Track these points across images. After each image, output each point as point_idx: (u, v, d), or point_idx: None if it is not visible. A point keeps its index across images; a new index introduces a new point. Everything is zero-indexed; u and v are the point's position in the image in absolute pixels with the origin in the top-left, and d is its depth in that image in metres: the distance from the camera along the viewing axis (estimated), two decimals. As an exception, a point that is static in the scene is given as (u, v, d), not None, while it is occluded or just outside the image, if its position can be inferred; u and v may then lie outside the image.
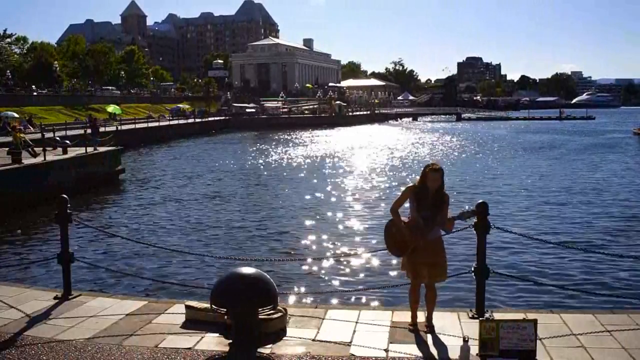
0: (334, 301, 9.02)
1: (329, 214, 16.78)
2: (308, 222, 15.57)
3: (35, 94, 63.00)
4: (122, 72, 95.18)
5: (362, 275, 10.56)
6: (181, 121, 63.44)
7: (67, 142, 24.82)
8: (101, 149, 24.65)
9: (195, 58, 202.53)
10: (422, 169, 5.28)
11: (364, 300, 9.17)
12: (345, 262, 11.12)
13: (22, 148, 19.76)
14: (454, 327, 5.47)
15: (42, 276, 10.60)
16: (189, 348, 5.13)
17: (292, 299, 8.84)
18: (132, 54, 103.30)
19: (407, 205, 5.40)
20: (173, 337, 5.37)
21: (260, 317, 5.26)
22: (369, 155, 35.79)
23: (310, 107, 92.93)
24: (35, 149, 20.64)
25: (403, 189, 5.51)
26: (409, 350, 5.01)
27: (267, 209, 18.03)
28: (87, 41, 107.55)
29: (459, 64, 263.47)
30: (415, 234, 5.19)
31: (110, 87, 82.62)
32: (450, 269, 9.20)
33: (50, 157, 20.75)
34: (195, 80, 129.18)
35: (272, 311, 5.42)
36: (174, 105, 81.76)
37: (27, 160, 19.56)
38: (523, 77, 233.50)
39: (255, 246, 13.06)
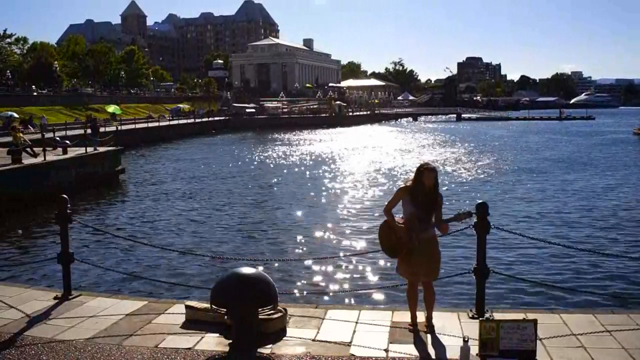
0: (334, 301, 9.02)
1: (329, 214, 16.78)
2: (308, 222, 15.57)
3: (35, 94, 63.02)
4: (122, 72, 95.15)
5: (362, 275, 10.57)
6: (181, 121, 63.44)
7: (67, 142, 24.83)
8: (101, 149, 24.64)
9: (195, 58, 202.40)
10: (417, 168, 5.29)
11: (364, 300, 9.17)
12: (345, 262, 11.12)
13: (21, 147, 19.77)
14: (454, 327, 5.47)
15: (42, 276, 10.60)
16: (189, 348, 5.13)
17: (292, 299, 8.84)
18: (132, 54, 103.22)
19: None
20: (173, 337, 5.37)
21: (260, 317, 5.26)
22: (369, 156, 35.77)
23: (310, 107, 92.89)
24: (35, 149, 20.64)
25: (397, 188, 5.52)
26: (409, 350, 5.01)
27: (267, 209, 18.03)
28: (87, 41, 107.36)
29: (459, 64, 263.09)
30: (410, 234, 5.20)
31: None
32: (450, 269, 9.29)
33: (50, 157, 20.74)
34: (195, 80, 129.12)
35: (272, 311, 5.42)
36: (174, 105, 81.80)
37: (27, 160, 19.55)
38: (523, 77, 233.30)
39: (255, 246, 13.07)
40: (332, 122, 77.03)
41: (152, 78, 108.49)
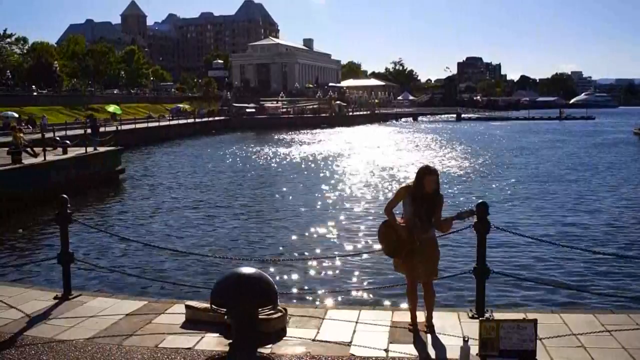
0: (334, 301, 9.02)
1: (329, 214, 16.78)
2: (308, 223, 15.55)
3: (35, 94, 63.01)
4: (122, 72, 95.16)
5: (362, 275, 10.56)
6: (181, 121, 63.40)
7: (67, 142, 24.83)
8: (101, 149, 24.65)
9: (195, 58, 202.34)
10: (418, 170, 5.29)
11: (364, 300, 9.17)
12: (345, 262, 11.12)
13: (21, 148, 19.77)
14: (454, 327, 5.47)
15: (42, 276, 10.60)
16: (189, 348, 5.13)
17: (292, 299, 8.84)
18: (132, 54, 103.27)
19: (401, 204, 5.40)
20: (173, 337, 5.37)
21: (260, 317, 5.25)
22: (368, 156, 35.75)
23: (311, 107, 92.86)
24: (35, 149, 20.64)
25: (398, 188, 5.51)
26: (409, 350, 5.01)
27: (267, 209, 18.03)
28: (87, 41, 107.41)
29: (459, 64, 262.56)
30: (411, 234, 5.19)
31: (110, 91, 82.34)
32: (450, 268, 9.30)
33: (50, 157, 20.75)
34: (195, 80, 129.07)
35: (272, 311, 5.41)
36: (174, 105, 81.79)
37: (27, 160, 19.55)
38: (523, 77, 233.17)
39: (255, 246, 13.06)
40: (332, 122, 77.00)
41: (152, 78, 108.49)
